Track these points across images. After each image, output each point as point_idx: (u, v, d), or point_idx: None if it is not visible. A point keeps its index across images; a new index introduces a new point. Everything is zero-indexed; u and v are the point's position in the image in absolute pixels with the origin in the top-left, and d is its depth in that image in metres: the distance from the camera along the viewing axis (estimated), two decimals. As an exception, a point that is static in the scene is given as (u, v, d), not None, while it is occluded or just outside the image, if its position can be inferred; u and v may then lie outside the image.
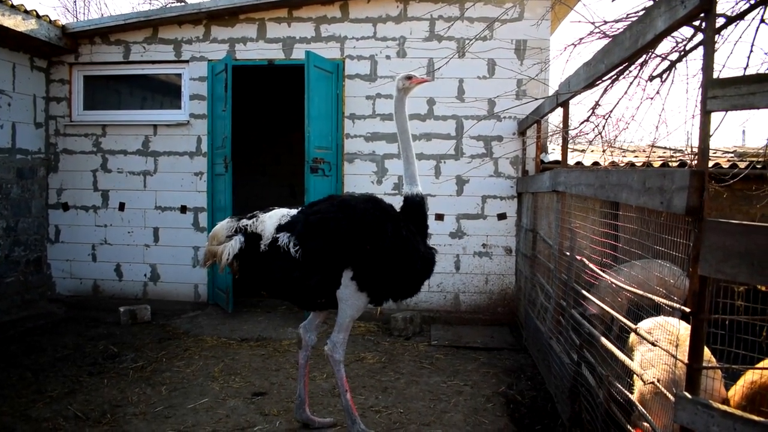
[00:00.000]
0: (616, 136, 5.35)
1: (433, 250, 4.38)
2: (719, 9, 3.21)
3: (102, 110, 8.79)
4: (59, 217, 8.76)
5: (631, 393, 3.33)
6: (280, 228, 4.09)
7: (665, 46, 4.15)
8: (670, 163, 7.79)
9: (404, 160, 4.52)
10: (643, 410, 3.09)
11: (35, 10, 7.67)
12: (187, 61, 8.47)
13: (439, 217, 8.04)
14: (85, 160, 8.68)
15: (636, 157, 8.55)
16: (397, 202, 4.46)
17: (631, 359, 3.56)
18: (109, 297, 8.61)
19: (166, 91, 8.81)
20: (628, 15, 4.32)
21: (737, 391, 3.27)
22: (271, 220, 4.16)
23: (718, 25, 3.51)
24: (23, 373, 5.60)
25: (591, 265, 4.20)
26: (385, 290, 4.25)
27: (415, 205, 4.38)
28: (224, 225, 4.26)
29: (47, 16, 7.91)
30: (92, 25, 8.48)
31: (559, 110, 5.52)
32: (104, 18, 9.39)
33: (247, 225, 4.17)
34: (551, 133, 8.05)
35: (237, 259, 4.11)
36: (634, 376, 3.33)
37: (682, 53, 4.18)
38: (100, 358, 6.14)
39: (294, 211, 4.23)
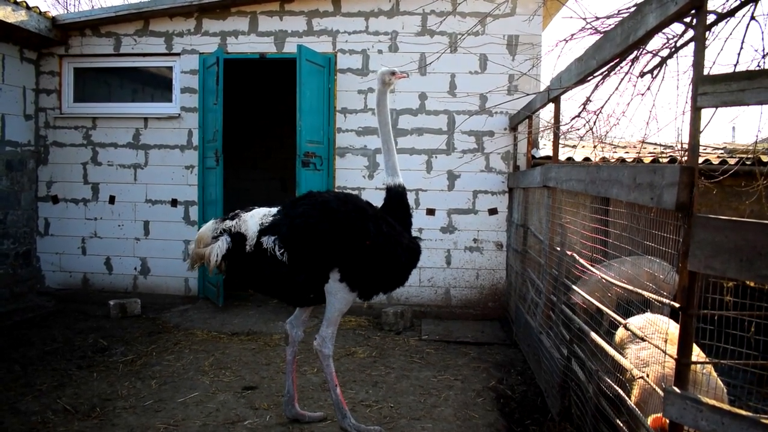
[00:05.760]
0: (607, 132, 5.36)
1: (417, 239, 4.45)
2: (710, 6, 3.21)
3: (92, 103, 8.73)
4: (49, 209, 8.71)
5: (621, 388, 3.35)
6: (263, 230, 4.05)
7: (656, 42, 4.16)
8: (660, 159, 7.82)
9: (385, 152, 4.60)
10: (633, 405, 3.11)
11: (25, 1, 7.60)
12: (178, 54, 8.42)
13: (431, 211, 8.05)
14: (75, 152, 8.63)
15: (626, 153, 8.59)
16: (388, 197, 4.50)
17: (621, 354, 3.58)
18: (99, 290, 8.57)
19: (156, 84, 8.76)
20: (619, 11, 4.32)
21: None
22: (252, 220, 4.13)
23: (708, 21, 3.52)
24: (11, 367, 5.57)
25: (581, 261, 4.22)
26: (374, 286, 4.29)
27: (398, 195, 4.47)
28: (209, 226, 4.21)
29: (37, 7, 7.84)
30: (83, 17, 8.42)
31: (551, 106, 5.52)
32: (95, 10, 9.33)
33: (231, 226, 4.12)
34: (542, 129, 8.08)
35: (225, 260, 4.09)
36: (627, 372, 3.34)
37: (673, 50, 4.19)
38: (89, 351, 6.11)
39: (274, 210, 4.21)
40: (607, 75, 4.69)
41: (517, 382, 5.47)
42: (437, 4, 7.79)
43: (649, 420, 2.84)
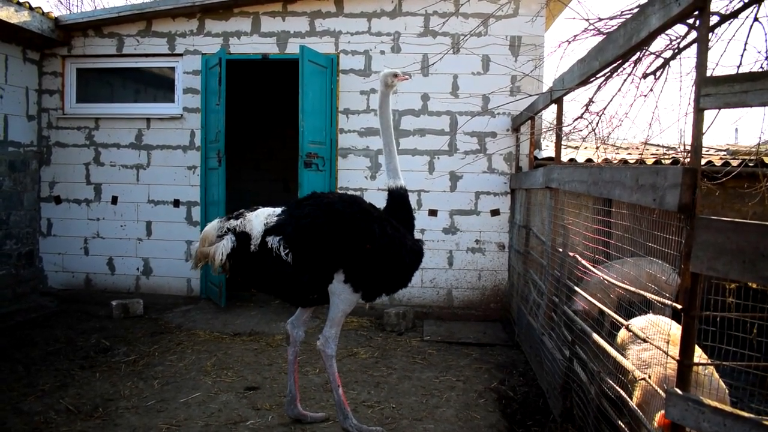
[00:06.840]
0: (610, 133, 5.38)
1: (420, 241, 4.46)
2: (713, 7, 3.21)
3: (95, 103, 8.75)
4: (51, 210, 8.73)
5: (623, 389, 3.34)
6: (268, 230, 4.06)
7: (659, 43, 4.16)
8: (662, 161, 7.82)
9: (386, 154, 4.62)
10: (635, 407, 3.11)
11: (28, 2, 7.62)
12: (180, 55, 8.43)
13: (433, 212, 8.05)
14: (77, 153, 8.65)
15: (629, 154, 8.59)
16: (390, 197, 4.50)
17: (623, 356, 3.58)
18: (102, 291, 8.59)
19: (159, 85, 8.77)
20: (622, 12, 4.33)
21: None
22: (257, 220, 4.13)
23: (711, 23, 3.52)
24: (14, 367, 5.58)
25: (583, 262, 4.22)
26: (378, 287, 4.31)
27: (400, 197, 4.49)
28: (214, 225, 4.20)
29: (40, 7, 7.86)
30: (85, 18, 8.45)
31: (553, 107, 5.52)
32: (97, 10, 9.34)
33: (236, 225, 4.12)
34: (545, 130, 8.08)
35: (229, 259, 4.09)
36: (629, 373, 3.34)
37: (676, 51, 4.19)
38: (92, 351, 6.11)
39: (278, 210, 4.21)
40: (610, 76, 4.70)
41: (519, 383, 5.46)
42: (440, 5, 7.78)
43: (656, 417, 2.83)
